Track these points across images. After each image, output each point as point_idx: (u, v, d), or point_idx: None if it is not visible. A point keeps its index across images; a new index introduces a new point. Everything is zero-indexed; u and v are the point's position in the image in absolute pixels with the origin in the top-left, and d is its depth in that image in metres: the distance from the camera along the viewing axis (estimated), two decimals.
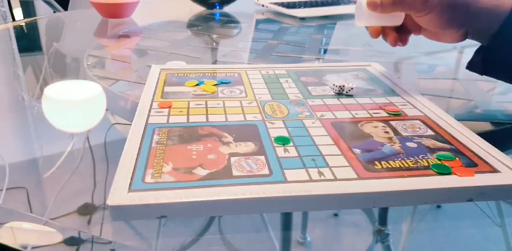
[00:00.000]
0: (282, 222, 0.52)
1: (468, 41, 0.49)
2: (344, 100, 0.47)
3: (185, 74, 0.54)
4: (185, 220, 0.46)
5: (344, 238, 0.72)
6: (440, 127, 0.40)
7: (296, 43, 0.82)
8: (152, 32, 0.92)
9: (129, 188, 0.30)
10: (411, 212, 0.58)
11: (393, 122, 0.41)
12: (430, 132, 0.39)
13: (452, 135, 0.39)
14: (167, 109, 0.43)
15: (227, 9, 1.15)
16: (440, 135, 0.39)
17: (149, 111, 0.43)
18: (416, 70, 0.69)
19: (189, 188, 0.30)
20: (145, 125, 0.39)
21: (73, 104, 0.59)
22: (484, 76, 0.48)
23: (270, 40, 0.84)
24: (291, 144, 0.37)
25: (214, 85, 0.50)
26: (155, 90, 0.48)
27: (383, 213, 0.59)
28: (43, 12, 2.02)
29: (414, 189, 0.31)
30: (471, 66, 0.49)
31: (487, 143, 0.37)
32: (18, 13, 1.98)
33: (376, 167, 0.33)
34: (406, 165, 0.34)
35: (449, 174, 0.33)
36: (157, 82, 0.51)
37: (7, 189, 0.43)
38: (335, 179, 0.32)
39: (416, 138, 0.38)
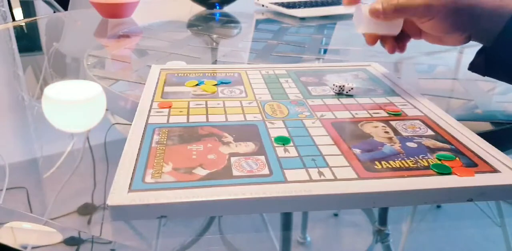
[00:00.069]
0: (282, 222, 0.52)
1: None
2: (344, 100, 0.47)
3: (185, 74, 0.54)
4: (185, 220, 0.46)
5: (344, 238, 0.72)
6: (440, 127, 0.40)
7: (296, 43, 0.82)
8: (152, 32, 0.92)
9: (129, 188, 0.30)
10: (411, 212, 0.58)
11: (393, 123, 0.41)
12: (430, 132, 0.39)
13: (452, 135, 0.39)
14: (167, 109, 0.43)
15: (227, 9, 1.15)
16: (440, 135, 0.39)
17: (149, 111, 0.43)
18: (416, 70, 0.69)
19: (189, 188, 0.30)
20: (145, 125, 0.39)
21: (73, 104, 0.59)
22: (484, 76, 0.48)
23: (270, 40, 0.84)
24: (291, 144, 0.37)
25: (214, 85, 0.50)
26: (155, 90, 0.48)
27: (383, 213, 0.59)
28: (43, 12, 2.02)
29: (414, 189, 0.31)
30: (473, 67, 0.48)
31: (487, 143, 0.37)
32: (18, 13, 1.99)
33: (376, 167, 0.33)
34: (406, 165, 0.34)
35: (449, 174, 0.33)
36: (157, 82, 0.51)
37: (7, 189, 0.43)
38: (335, 179, 0.32)
39: (416, 138, 0.38)
